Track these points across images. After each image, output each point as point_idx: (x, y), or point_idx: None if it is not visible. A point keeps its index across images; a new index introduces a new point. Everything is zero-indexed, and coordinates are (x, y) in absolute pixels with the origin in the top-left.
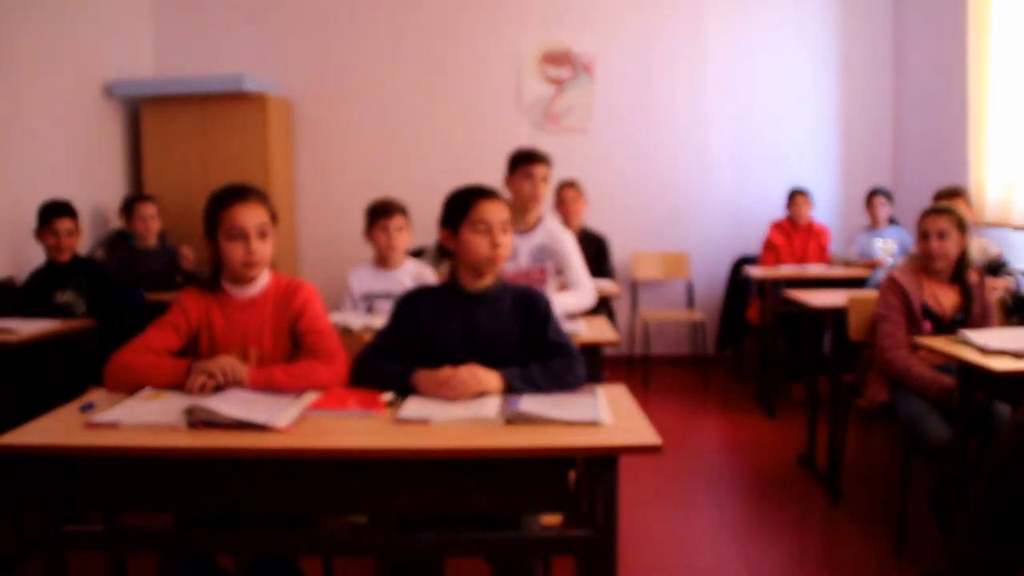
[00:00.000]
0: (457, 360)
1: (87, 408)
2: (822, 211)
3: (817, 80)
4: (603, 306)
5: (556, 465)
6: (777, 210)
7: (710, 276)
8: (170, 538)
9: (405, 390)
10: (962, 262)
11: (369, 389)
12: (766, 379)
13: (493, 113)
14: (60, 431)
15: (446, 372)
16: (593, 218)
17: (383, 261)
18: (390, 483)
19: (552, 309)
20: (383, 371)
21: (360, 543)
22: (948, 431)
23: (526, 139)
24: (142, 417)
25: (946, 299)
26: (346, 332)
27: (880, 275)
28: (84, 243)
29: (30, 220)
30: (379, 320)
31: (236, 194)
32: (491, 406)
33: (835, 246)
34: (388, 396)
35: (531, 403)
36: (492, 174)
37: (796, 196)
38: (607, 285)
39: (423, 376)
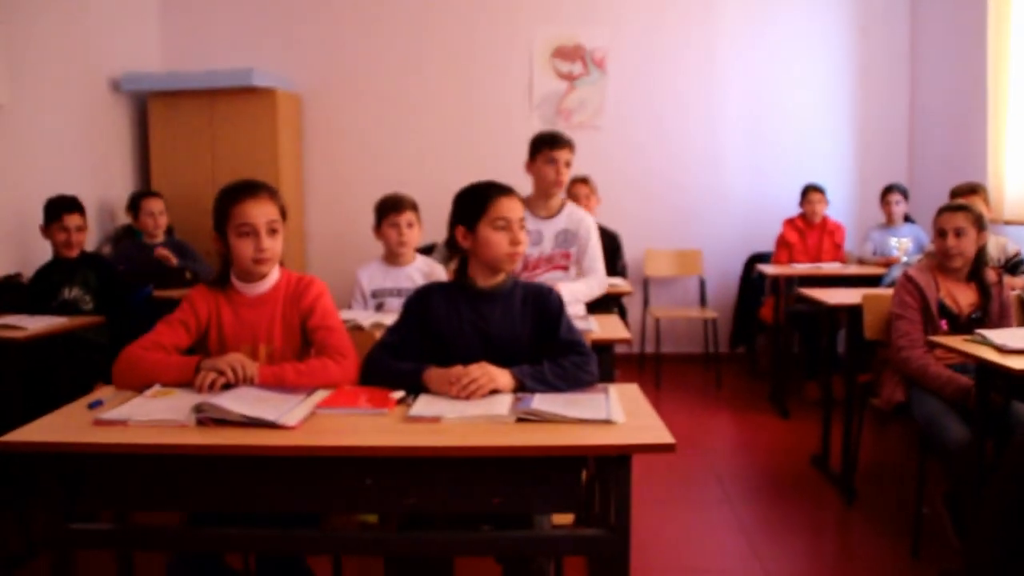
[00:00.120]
0: (468, 358)
1: (95, 405)
2: (837, 208)
3: (832, 74)
4: (615, 304)
5: (568, 464)
6: (791, 207)
7: (723, 274)
8: (178, 536)
9: (416, 388)
10: (979, 260)
11: (380, 387)
12: (779, 378)
13: (504, 108)
14: (68, 428)
15: (457, 370)
16: (605, 215)
17: (393, 258)
18: (400, 482)
19: (564, 307)
20: (394, 369)
21: (369, 542)
22: (965, 432)
23: None
24: (151, 415)
25: (963, 298)
26: (356, 329)
27: (895, 273)
28: (91, 239)
29: (37, 216)
30: (389, 317)
31: (246, 190)
32: (503, 404)
33: (850, 244)
34: (399, 394)
35: (543, 401)
36: (503, 170)
37: (810, 193)
38: (619, 283)
39: (434, 374)
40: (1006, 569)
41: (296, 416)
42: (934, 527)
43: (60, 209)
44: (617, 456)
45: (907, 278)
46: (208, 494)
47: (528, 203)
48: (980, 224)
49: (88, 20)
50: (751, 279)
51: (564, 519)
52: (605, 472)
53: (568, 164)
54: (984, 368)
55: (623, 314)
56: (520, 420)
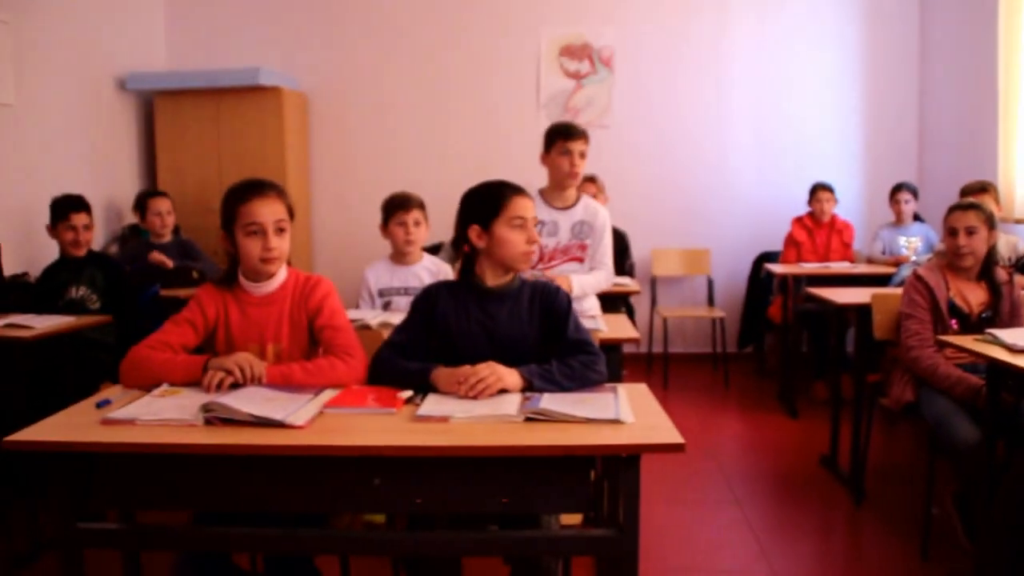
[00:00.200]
0: (476, 357)
1: (103, 404)
2: (845, 207)
3: (841, 72)
4: (623, 303)
5: (577, 464)
6: (799, 206)
7: (731, 273)
8: (186, 536)
9: (424, 388)
10: (990, 259)
11: (388, 386)
12: (788, 378)
13: (511, 107)
14: (76, 428)
15: (465, 370)
16: (612, 214)
17: (400, 256)
18: (409, 481)
19: (572, 305)
20: (402, 369)
21: (377, 542)
22: (975, 432)
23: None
24: (158, 414)
25: (973, 297)
26: (364, 329)
27: (905, 272)
28: (97, 238)
29: (43, 215)
30: (396, 317)
31: (254, 188)
32: (511, 404)
33: (859, 243)
34: (407, 394)
35: (552, 401)
36: (510, 168)
37: (819, 191)
38: (627, 282)
39: (442, 374)
40: (1017, 570)
41: (304, 416)
42: (944, 528)
43: (67, 208)
44: (626, 456)
45: (917, 277)
46: (216, 493)
47: (544, 195)
48: (991, 223)
49: (94, 19)
50: (759, 278)
51: (572, 519)
52: (614, 472)
53: (583, 155)
54: (995, 368)
55: (630, 313)
56: (529, 420)
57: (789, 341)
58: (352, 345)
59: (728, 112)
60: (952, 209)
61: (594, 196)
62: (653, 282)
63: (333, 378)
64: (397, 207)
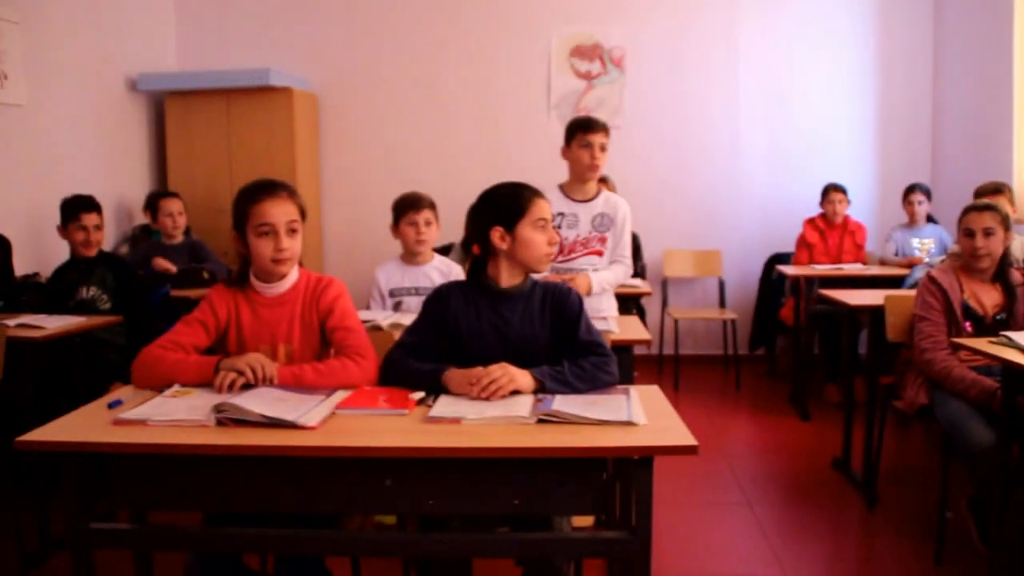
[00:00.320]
0: (487, 358)
1: (114, 405)
2: (858, 208)
3: (854, 72)
4: (634, 304)
5: (590, 466)
6: (812, 207)
7: (743, 274)
8: (197, 536)
9: (436, 389)
10: (1004, 261)
11: (399, 387)
12: (800, 380)
13: (521, 108)
14: (88, 428)
15: (478, 371)
16: None
17: (411, 256)
18: (420, 483)
19: (584, 307)
20: (413, 370)
21: (389, 543)
22: (990, 435)
23: (555, 134)
24: (170, 414)
25: (987, 299)
26: (375, 330)
27: (918, 274)
28: (107, 239)
29: (54, 215)
30: (407, 317)
31: (266, 189)
32: (523, 405)
33: (871, 244)
34: (419, 395)
35: (564, 403)
36: (521, 169)
37: (831, 192)
38: (638, 283)
39: (454, 375)
40: None
41: (316, 416)
42: (958, 532)
43: (78, 208)
44: (639, 458)
45: (930, 279)
46: (227, 494)
47: (563, 188)
48: (1007, 224)
49: (105, 20)
50: (771, 280)
51: (583, 520)
52: (626, 474)
53: (603, 148)
54: (1010, 370)
55: (641, 315)
56: (541, 421)
57: (801, 343)
58: (364, 346)
59: (739, 112)
60: (968, 210)
61: None
62: (664, 283)
63: (345, 379)
64: (408, 207)
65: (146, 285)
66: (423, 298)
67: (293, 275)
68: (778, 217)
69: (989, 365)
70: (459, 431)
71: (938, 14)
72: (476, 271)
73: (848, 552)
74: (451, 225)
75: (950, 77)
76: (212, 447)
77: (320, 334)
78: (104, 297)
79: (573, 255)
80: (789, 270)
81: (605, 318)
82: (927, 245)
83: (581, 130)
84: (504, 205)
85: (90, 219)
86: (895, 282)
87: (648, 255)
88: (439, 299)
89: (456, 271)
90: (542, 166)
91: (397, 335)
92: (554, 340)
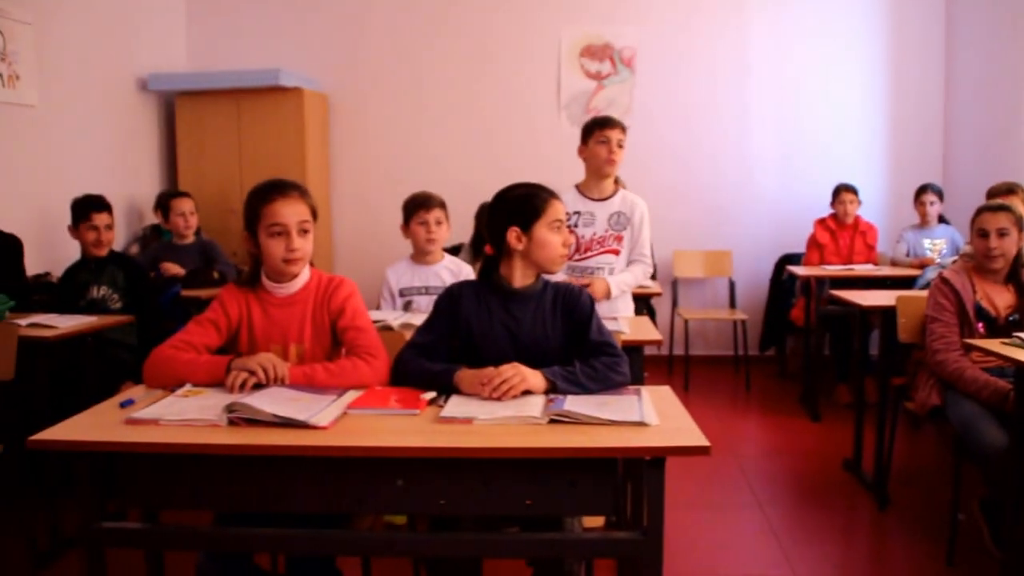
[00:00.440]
0: (498, 358)
1: (126, 404)
2: (869, 208)
3: (865, 72)
4: (644, 305)
5: (602, 466)
6: (822, 207)
7: (753, 275)
8: (208, 536)
9: (447, 389)
10: (1017, 262)
11: (411, 387)
12: (810, 381)
13: (531, 108)
14: (100, 427)
15: (489, 371)
16: None
17: (421, 256)
18: (432, 483)
19: (595, 308)
20: (425, 370)
21: (399, 543)
22: (1003, 436)
23: (565, 134)
24: (182, 414)
25: (1000, 300)
26: (386, 330)
27: (930, 275)
28: (118, 239)
29: (65, 215)
30: (418, 317)
31: (277, 189)
32: (535, 406)
33: (883, 245)
34: (430, 395)
35: (576, 403)
36: (531, 169)
37: (842, 193)
38: (648, 284)
39: (466, 375)
40: None
41: (327, 416)
42: (970, 534)
43: (88, 208)
44: (651, 459)
45: (942, 280)
46: (239, 494)
47: (580, 187)
48: (1020, 224)
49: (115, 21)
50: (781, 280)
51: (594, 521)
52: (637, 474)
53: (620, 145)
54: (1023, 372)
55: (652, 315)
56: (552, 421)
57: (811, 344)
58: (375, 346)
59: (750, 112)
60: (982, 210)
61: None
62: (674, 284)
63: (356, 379)
64: (418, 206)
65: (157, 285)
66: (433, 298)
67: (304, 275)
68: (788, 217)
69: (1002, 366)
70: (471, 431)
71: (950, 14)
72: (488, 271)
73: (859, 554)
74: (461, 225)
75: (962, 77)
76: (224, 447)
77: (331, 334)
78: (115, 297)
79: (589, 253)
80: (800, 271)
81: (616, 318)
82: (939, 246)
83: (599, 127)
84: (521, 206)
85: (101, 219)
86: (907, 283)
87: (658, 255)
88: (451, 298)
89: (466, 271)
90: (552, 165)
91: (408, 335)
92: (566, 340)
